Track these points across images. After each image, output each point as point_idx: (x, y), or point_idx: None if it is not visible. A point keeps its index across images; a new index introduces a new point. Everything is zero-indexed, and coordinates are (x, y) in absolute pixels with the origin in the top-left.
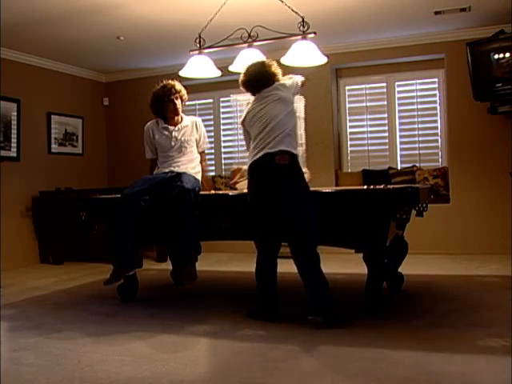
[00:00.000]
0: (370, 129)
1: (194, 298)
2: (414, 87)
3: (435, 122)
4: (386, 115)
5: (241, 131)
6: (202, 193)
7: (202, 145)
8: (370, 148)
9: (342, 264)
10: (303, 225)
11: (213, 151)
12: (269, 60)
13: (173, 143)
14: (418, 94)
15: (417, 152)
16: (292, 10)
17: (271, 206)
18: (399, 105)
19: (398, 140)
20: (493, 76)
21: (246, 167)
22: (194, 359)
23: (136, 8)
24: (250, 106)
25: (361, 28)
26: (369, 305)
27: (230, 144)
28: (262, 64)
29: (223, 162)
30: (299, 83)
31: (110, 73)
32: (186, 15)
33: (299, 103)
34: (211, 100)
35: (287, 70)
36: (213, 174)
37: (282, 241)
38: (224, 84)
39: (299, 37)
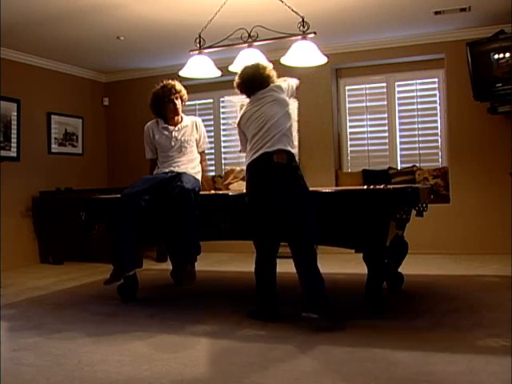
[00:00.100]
0: (370, 129)
1: (193, 298)
2: (413, 87)
3: (435, 122)
4: (385, 115)
5: (233, 132)
6: (202, 193)
7: (202, 145)
8: (369, 148)
9: (342, 264)
10: (303, 224)
11: (213, 151)
12: (263, 62)
13: (173, 143)
14: (418, 94)
15: (417, 152)
16: (292, 10)
17: (270, 206)
18: (399, 105)
19: (397, 140)
20: (493, 76)
21: (239, 168)
22: (194, 359)
23: (136, 8)
24: (245, 107)
25: (361, 28)
26: (369, 305)
27: (230, 144)
28: (256, 66)
29: (223, 162)
30: (294, 86)
31: (110, 73)
32: (186, 15)
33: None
34: (211, 100)
35: (287, 70)
36: (213, 173)
37: (281, 240)
38: (224, 84)
39: (299, 37)
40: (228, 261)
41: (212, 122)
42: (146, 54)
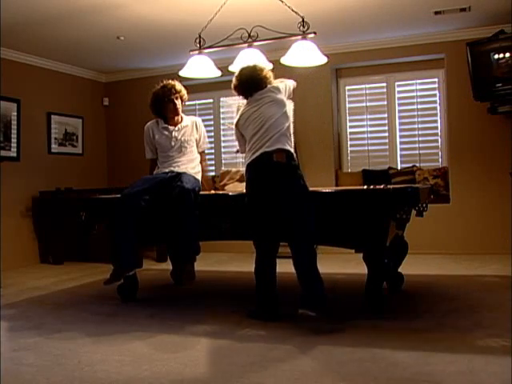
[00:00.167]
0: (370, 129)
1: (194, 298)
2: (413, 87)
3: (435, 122)
4: (386, 115)
5: (228, 132)
6: (202, 193)
7: (202, 145)
8: (370, 148)
9: (342, 264)
10: (303, 224)
11: (213, 151)
12: (260, 64)
13: (173, 143)
14: (418, 94)
15: (417, 152)
16: (292, 10)
17: (270, 205)
18: (399, 105)
19: (397, 140)
20: (493, 76)
21: (235, 169)
22: (194, 359)
23: (136, 8)
24: (243, 108)
25: (361, 28)
26: (369, 305)
27: (227, 144)
28: (253, 68)
29: (223, 162)
30: (291, 87)
31: (110, 73)
32: (186, 15)
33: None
34: (211, 100)
35: (287, 70)
36: (212, 173)
37: (281, 240)
38: (224, 84)
39: (299, 37)
40: (228, 261)
41: (212, 122)
42: (146, 53)
